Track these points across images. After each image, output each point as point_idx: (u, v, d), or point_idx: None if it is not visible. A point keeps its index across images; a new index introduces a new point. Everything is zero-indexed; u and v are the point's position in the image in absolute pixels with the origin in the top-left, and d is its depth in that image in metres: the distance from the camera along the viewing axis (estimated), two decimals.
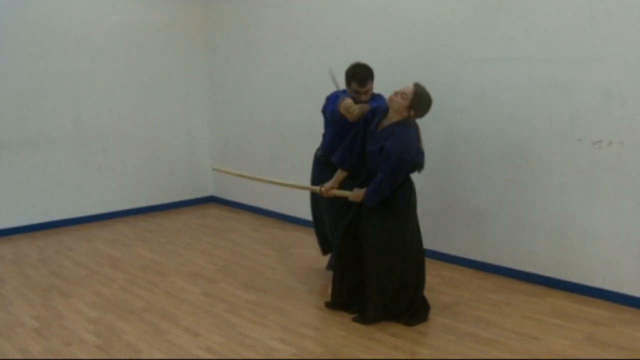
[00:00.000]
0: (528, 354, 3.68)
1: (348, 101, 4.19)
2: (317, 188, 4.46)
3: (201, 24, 7.59)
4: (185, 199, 7.72)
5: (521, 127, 4.71)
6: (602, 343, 3.81)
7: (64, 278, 5.12)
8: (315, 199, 4.77)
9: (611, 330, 3.99)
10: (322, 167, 4.63)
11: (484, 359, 3.63)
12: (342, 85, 4.45)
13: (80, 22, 6.62)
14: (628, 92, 4.17)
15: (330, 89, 4.56)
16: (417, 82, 4.01)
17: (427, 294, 4.30)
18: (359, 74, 4.29)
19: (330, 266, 4.87)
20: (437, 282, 4.84)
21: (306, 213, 5.05)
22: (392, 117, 4.03)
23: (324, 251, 4.95)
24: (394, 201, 4.02)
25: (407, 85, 3.97)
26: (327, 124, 4.61)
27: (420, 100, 3.95)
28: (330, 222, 4.53)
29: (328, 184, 4.36)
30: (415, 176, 4.16)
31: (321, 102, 4.63)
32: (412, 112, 3.97)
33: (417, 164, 4.10)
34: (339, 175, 4.34)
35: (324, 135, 4.69)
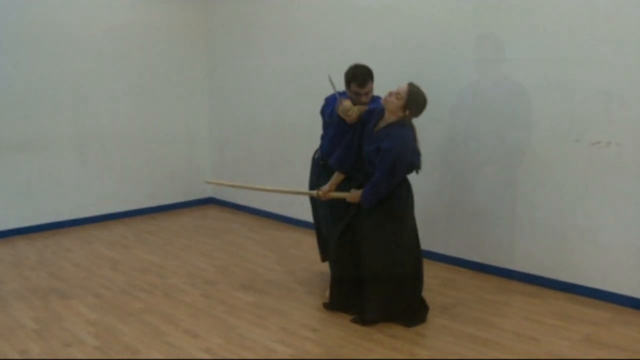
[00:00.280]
0: (527, 355, 3.68)
1: (346, 104, 4.18)
2: (314, 192, 4.46)
3: (201, 25, 7.60)
4: (184, 201, 7.72)
5: (520, 127, 4.72)
6: (601, 344, 3.82)
7: (63, 280, 5.12)
8: (315, 202, 4.77)
9: (610, 331, 3.99)
10: (320, 170, 4.62)
11: None
12: (341, 89, 4.44)
13: (80, 23, 6.62)
14: (627, 93, 4.18)
15: (330, 91, 4.55)
16: (411, 81, 4.00)
17: (426, 295, 4.31)
18: (359, 75, 4.28)
19: (325, 259, 4.89)
20: (435, 283, 4.84)
21: (305, 214, 5.06)
22: (388, 118, 4.04)
23: (323, 258, 4.94)
24: (391, 202, 4.03)
25: (401, 85, 3.97)
26: (326, 125, 4.60)
27: (414, 100, 3.95)
28: (328, 224, 4.53)
29: (325, 187, 4.36)
30: (413, 177, 4.16)
31: (321, 102, 4.64)
32: (407, 112, 3.97)
33: (414, 164, 4.10)
34: (336, 177, 4.34)
35: (323, 137, 4.68)
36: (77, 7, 6.60)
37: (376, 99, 4.38)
